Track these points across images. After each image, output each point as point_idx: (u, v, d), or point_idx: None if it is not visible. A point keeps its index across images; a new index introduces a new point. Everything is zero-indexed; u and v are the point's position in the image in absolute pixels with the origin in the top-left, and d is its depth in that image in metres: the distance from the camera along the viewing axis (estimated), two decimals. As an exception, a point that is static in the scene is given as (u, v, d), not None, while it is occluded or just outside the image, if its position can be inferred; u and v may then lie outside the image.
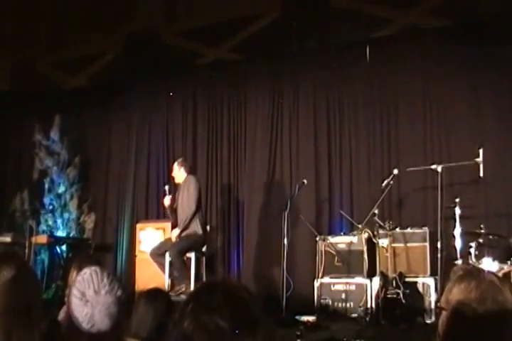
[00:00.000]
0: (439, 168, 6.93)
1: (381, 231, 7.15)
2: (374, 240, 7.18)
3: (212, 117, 9.71)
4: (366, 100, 8.63)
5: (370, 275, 7.18)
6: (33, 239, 8.94)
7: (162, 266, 7.76)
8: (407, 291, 6.79)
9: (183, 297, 7.01)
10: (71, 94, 10.62)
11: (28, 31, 10.73)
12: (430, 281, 6.95)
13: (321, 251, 7.61)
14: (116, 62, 10.23)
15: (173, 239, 7.73)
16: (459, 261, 6.41)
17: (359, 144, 8.60)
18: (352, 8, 8.44)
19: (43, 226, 10.05)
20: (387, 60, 8.51)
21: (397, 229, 7.40)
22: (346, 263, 7.42)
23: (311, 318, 6.83)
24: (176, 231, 7.74)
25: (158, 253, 7.80)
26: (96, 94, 10.56)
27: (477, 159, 6.77)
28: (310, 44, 8.83)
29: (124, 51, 10.01)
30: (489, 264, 6.17)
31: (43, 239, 9.19)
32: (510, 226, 7.47)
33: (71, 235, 10.10)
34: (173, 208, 8.01)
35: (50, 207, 10.16)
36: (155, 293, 3.49)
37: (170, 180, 8.52)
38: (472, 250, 6.44)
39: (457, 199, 6.65)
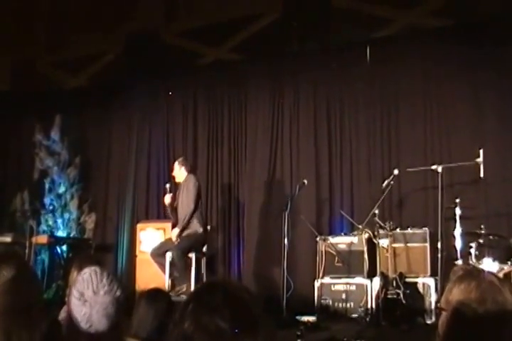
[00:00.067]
0: (440, 169, 6.92)
1: (381, 232, 7.15)
2: (374, 240, 7.18)
3: (212, 117, 9.71)
4: (366, 100, 8.63)
5: (371, 275, 7.18)
6: (34, 239, 8.93)
7: (162, 266, 7.76)
8: (408, 291, 6.79)
9: (184, 297, 7.00)
10: (71, 94, 10.62)
11: (28, 31, 10.73)
12: (430, 281, 6.95)
13: (322, 252, 7.61)
14: (116, 62, 10.24)
15: (173, 239, 7.73)
16: (459, 262, 6.41)
17: (359, 144, 8.60)
18: (352, 9, 8.44)
19: (43, 227, 10.05)
20: (388, 60, 8.51)
21: (398, 230, 7.40)
22: (347, 264, 7.42)
23: (311, 318, 6.83)
24: (176, 230, 7.74)
25: (158, 254, 7.80)
26: (96, 94, 10.56)
27: (477, 159, 6.77)
28: (310, 44, 8.83)
29: (124, 51, 10.02)
30: (489, 264, 6.17)
31: (43, 239, 9.19)
32: (510, 226, 7.48)
33: (71, 235, 10.10)
34: (174, 207, 8.01)
35: (51, 207, 10.16)
36: (155, 293, 3.49)
37: (170, 179, 8.52)
38: (472, 250, 6.44)
39: (457, 200, 6.65)
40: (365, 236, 7.38)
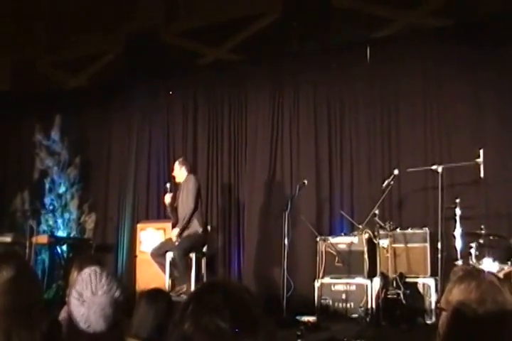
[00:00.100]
0: (440, 169, 6.92)
1: (381, 232, 7.15)
2: (374, 240, 7.18)
3: (212, 117, 9.71)
4: (367, 100, 8.63)
5: (371, 275, 7.18)
6: (34, 239, 8.93)
7: (163, 266, 7.77)
8: (408, 292, 6.79)
9: (184, 297, 7.01)
10: (71, 94, 10.62)
11: (28, 31, 10.72)
12: (430, 282, 6.95)
13: (322, 252, 7.60)
14: (116, 62, 10.23)
15: (173, 239, 7.74)
16: (460, 262, 6.41)
17: (359, 144, 8.60)
18: (352, 8, 8.44)
19: (43, 227, 10.05)
20: (388, 60, 8.51)
21: (398, 230, 7.40)
22: (347, 264, 7.42)
23: (311, 318, 6.83)
24: (176, 230, 7.74)
25: (158, 254, 7.80)
26: (96, 94, 10.56)
27: (478, 160, 6.77)
28: (310, 44, 8.82)
29: (124, 51, 10.01)
30: (489, 265, 6.17)
31: (43, 239, 9.19)
32: (510, 226, 7.47)
33: (72, 235, 10.09)
34: (174, 207, 8.01)
35: (51, 207, 10.16)
36: (156, 294, 3.49)
37: (170, 179, 8.51)
38: (472, 251, 6.43)
39: (458, 200, 6.65)
40: (365, 236, 7.38)
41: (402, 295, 6.75)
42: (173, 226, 8.01)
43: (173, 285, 7.75)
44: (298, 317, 6.87)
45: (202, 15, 9.57)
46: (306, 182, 7.76)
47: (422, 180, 7.88)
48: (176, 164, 8.16)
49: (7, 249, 8.68)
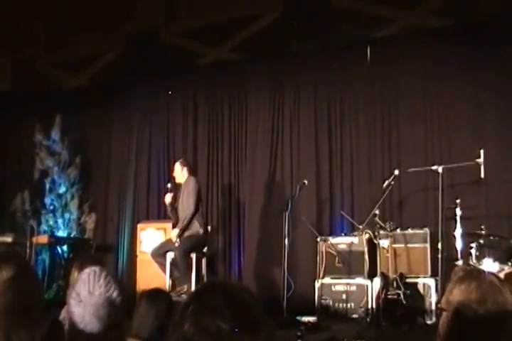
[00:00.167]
0: (440, 169, 6.92)
1: (382, 232, 7.14)
2: (375, 241, 7.18)
3: (212, 117, 9.71)
4: (367, 100, 8.63)
5: (371, 275, 7.18)
6: (34, 239, 8.93)
7: (163, 267, 7.77)
8: (408, 292, 6.79)
9: (184, 297, 7.00)
10: (71, 94, 10.61)
11: (28, 31, 10.72)
12: (431, 282, 6.95)
13: (322, 252, 7.60)
14: (116, 62, 10.24)
15: (173, 239, 7.74)
16: (460, 262, 6.41)
17: (360, 144, 8.60)
18: (353, 8, 8.44)
19: (43, 227, 10.05)
20: (388, 60, 8.50)
21: (398, 230, 7.40)
22: (347, 264, 7.41)
23: (311, 319, 6.83)
24: (176, 231, 7.74)
25: (159, 254, 7.80)
26: (96, 94, 10.56)
27: (478, 160, 6.77)
28: (310, 44, 8.83)
29: (124, 51, 10.01)
30: (490, 265, 6.17)
31: (43, 239, 9.19)
32: (510, 227, 7.47)
33: (72, 235, 10.10)
34: (174, 207, 8.01)
35: (51, 207, 10.16)
36: (156, 294, 3.49)
37: (171, 179, 8.50)
38: (473, 251, 6.43)
39: (458, 200, 6.64)
40: (366, 236, 7.37)
41: (402, 296, 6.75)
42: (174, 227, 8.00)
43: (173, 286, 7.75)
44: (298, 318, 6.86)
45: (202, 15, 9.57)
46: (306, 182, 7.76)
47: (422, 181, 7.88)
48: (176, 165, 8.15)
49: (7, 249, 8.68)
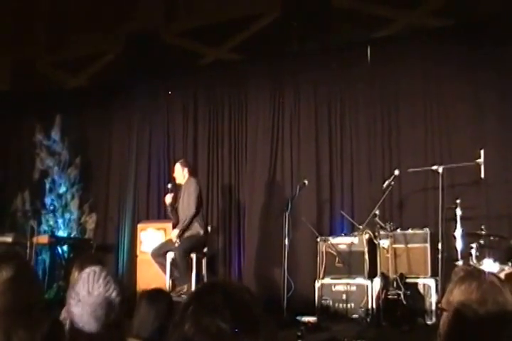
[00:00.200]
0: (440, 169, 6.92)
1: (382, 232, 7.14)
2: (375, 241, 7.18)
3: (212, 117, 9.70)
4: (367, 100, 8.63)
5: (371, 276, 7.17)
6: (35, 239, 8.93)
7: (163, 267, 7.77)
8: (408, 292, 6.79)
9: (185, 297, 7.00)
10: (71, 94, 10.61)
11: (28, 31, 10.72)
12: (431, 282, 6.95)
13: (322, 252, 7.59)
14: (116, 62, 10.23)
15: (173, 239, 7.74)
16: (460, 262, 6.40)
17: (360, 145, 8.60)
18: (352, 8, 8.43)
19: (44, 227, 10.04)
20: (388, 60, 8.50)
21: (398, 230, 7.39)
22: (347, 264, 7.41)
23: (311, 319, 6.82)
24: (176, 231, 7.74)
25: (159, 254, 7.80)
26: (96, 94, 10.56)
27: (478, 160, 6.77)
28: (310, 44, 8.82)
29: (124, 51, 10.01)
30: (490, 265, 6.17)
31: (44, 239, 9.19)
32: (511, 227, 7.47)
33: (72, 235, 10.10)
34: (174, 207, 8.01)
35: (51, 207, 10.16)
36: (156, 294, 3.49)
37: (171, 180, 8.50)
38: (473, 251, 6.43)
39: (458, 201, 6.64)
40: (366, 236, 7.37)
41: (402, 296, 6.75)
42: (174, 227, 8.00)
43: (173, 286, 7.75)
44: (298, 318, 6.85)
45: (202, 15, 9.57)
46: (306, 182, 7.76)
47: (422, 181, 7.88)
48: (177, 165, 8.15)
49: (8, 249, 8.68)
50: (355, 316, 7.04)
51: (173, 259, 7.67)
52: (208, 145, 9.62)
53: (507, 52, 7.69)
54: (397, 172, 7.23)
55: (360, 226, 7.42)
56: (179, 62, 9.77)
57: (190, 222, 7.72)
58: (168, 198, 7.98)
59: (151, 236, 8.92)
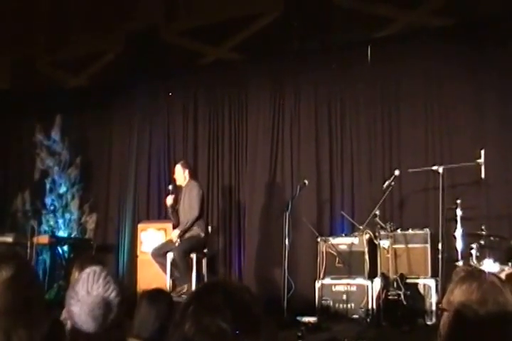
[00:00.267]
0: (441, 169, 6.92)
1: (382, 233, 7.14)
2: (375, 241, 7.18)
3: (213, 117, 9.70)
4: (367, 100, 8.62)
5: (371, 276, 7.17)
6: (35, 240, 8.94)
7: (163, 266, 7.77)
8: (408, 292, 6.79)
9: (185, 297, 7.00)
10: (71, 94, 10.60)
11: (28, 31, 10.71)
12: (431, 282, 6.94)
13: (322, 252, 7.59)
14: (116, 62, 10.22)
15: (174, 239, 7.74)
16: (460, 263, 6.41)
17: (360, 145, 8.59)
18: (353, 8, 8.42)
19: (44, 227, 10.05)
20: (389, 60, 8.49)
21: (398, 230, 7.39)
22: (347, 264, 7.41)
23: (312, 319, 6.82)
24: (176, 231, 7.74)
25: (159, 254, 7.80)
26: (96, 94, 10.54)
27: (479, 160, 6.77)
28: (311, 44, 8.81)
29: (124, 51, 10.00)
30: (490, 266, 6.17)
31: (44, 239, 9.20)
32: (511, 227, 7.46)
33: (72, 235, 10.10)
34: (175, 209, 8.01)
35: (52, 208, 10.15)
36: (157, 294, 3.49)
37: (172, 181, 8.49)
38: (473, 251, 6.43)
39: (458, 201, 6.64)
40: (366, 237, 7.37)
41: (402, 296, 6.75)
42: (174, 228, 8.01)
43: (174, 286, 7.75)
44: (298, 318, 6.86)
45: (202, 15, 9.55)
46: (306, 182, 7.76)
47: (422, 181, 7.88)
48: (177, 167, 8.14)
49: (8, 249, 8.67)
50: (355, 316, 7.04)
51: (173, 259, 7.67)
52: (208, 145, 9.62)
53: (507, 52, 7.69)
54: (397, 172, 7.24)
55: (361, 227, 7.42)
56: (179, 61, 9.77)
57: (192, 224, 7.72)
58: (169, 200, 7.97)
59: (151, 236, 8.91)
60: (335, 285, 7.36)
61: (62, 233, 10.07)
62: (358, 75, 8.67)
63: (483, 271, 2.21)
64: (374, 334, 6.33)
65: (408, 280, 6.97)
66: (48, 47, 10.80)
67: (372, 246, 7.28)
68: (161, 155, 10.04)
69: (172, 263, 7.70)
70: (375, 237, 7.15)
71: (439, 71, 8.16)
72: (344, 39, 8.59)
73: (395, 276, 6.99)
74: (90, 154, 10.60)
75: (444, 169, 6.93)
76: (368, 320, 6.80)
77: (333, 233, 8.24)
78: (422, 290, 6.96)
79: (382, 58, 8.46)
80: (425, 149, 8.16)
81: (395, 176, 7.22)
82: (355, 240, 7.46)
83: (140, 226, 9.25)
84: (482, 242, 6.55)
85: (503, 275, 5.56)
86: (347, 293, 7.23)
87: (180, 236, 7.69)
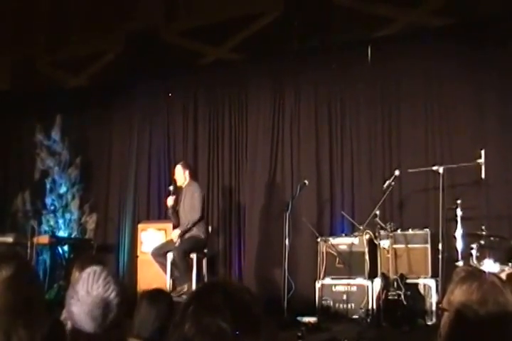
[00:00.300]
0: (441, 169, 6.92)
1: (382, 233, 7.14)
2: (375, 241, 7.18)
3: (213, 117, 9.70)
4: (368, 100, 8.62)
5: (372, 276, 7.18)
6: (35, 240, 8.94)
7: (163, 266, 7.77)
8: (408, 293, 6.78)
9: (185, 297, 7.00)
10: (72, 94, 10.59)
11: (28, 31, 10.71)
12: (431, 283, 6.94)
13: (323, 252, 7.60)
14: (116, 62, 10.21)
15: (174, 239, 7.74)
16: (460, 263, 6.40)
17: (360, 145, 8.59)
18: (353, 8, 8.40)
19: (44, 227, 10.04)
20: (389, 60, 8.49)
21: (399, 231, 7.38)
22: (347, 265, 7.41)
23: (312, 319, 6.82)
24: (177, 231, 7.75)
25: (159, 254, 7.81)
26: (96, 94, 10.55)
27: (479, 160, 6.76)
28: (311, 43, 8.81)
29: (124, 51, 10.00)
30: (490, 266, 6.17)
31: (44, 239, 9.20)
32: (511, 227, 7.46)
33: (73, 235, 10.10)
34: (176, 210, 8.01)
35: (52, 208, 10.15)
36: (157, 294, 3.49)
37: (172, 181, 8.49)
38: (473, 252, 6.43)
39: (459, 201, 6.64)
40: (366, 237, 7.37)
41: (402, 296, 6.74)
42: (174, 228, 8.01)
43: (174, 286, 7.75)
44: (299, 318, 6.86)
45: (202, 15, 9.55)
46: (306, 182, 7.76)
47: (422, 181, 7.87)
48: (177, 167, 8.14)
49: (8, 249, 8.67)
50: (355, 316, 7.05)
51: (173, 259, 7.67)
52: (209, 145, 9.61)
53: (507, 52, 7.69)
54: (397, 172, 7.24)
55: (361, 227, 7.41)
56: (179, 62, 9.76)
57: (193, 226, 7.73)
58: (170, 201, 7.97)
59: (151, 236, 8.91)
60: (335, 285, 7.36)
61: (62, 233, 10.06)
62: (358, 75, 8.67)
63: (483, 271, 2.21)
64: (374, 334, 6.33)
65: (408, 281, 6.97)
66: (48, 47, 10.79)
67: (373, 246, 7.28)
68: (161, 155, 10.04)
69: (172, 263, 7.70)
70: (375, 237, 7.15)
71: (439, 71, 8.16)
72: (344, 39, 8.58)
73: (395, 276, 6.98)
74: (90, 154, 10.60)
75: (444, 169, 6.94)
76: (368, 320, 6.80)
77: (333, 233, 8.24)
78: (422, 291, 6.96)
79: (382, 58, 8.46)
80: (425, 149, 8.15)
81: (395, 176, 7.22)
82: (356, 240, 7.46)
83: (140, 226, 9.25)
84: (482, 242, 6.55)
85: (503, 276, 5.57)
86: (347, 293, 7.24)
87: (181, 236, 7.69)
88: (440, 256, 6.60)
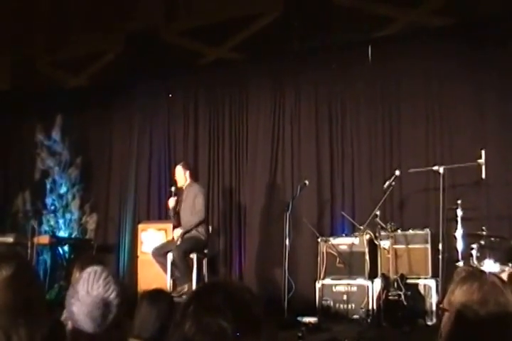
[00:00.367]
0: (441, 170, 6.92)
1: (383, 233, 7.14)
2: (376, 241, 7.17)
3: (213, 117, 9.70)
4: (368, 100, 8.61)
5: (372, 276, 7.17)
6: (35, 240, 8.94)
7: (164, 266, 7.77)
8: (409, 293, 6.78)
9: (185, 297, 6.99)
10: (72, 94, 10.59)
11: (28, 31, 10.71)
12: (432, 283, 6.94)
13: (323, 253, 7.59)
14: (116, 62, 10.21)
15: (175, 238, 7.75)
16: (461, 263, 6.40)
17: (361, 145, 8.59)
18: (353, 7, 8.39)
19: (44, 227, 10.04)
20: (389, 60, 8.49)
21: (399, 231, 7.38)
22: (348, 265, 7.41)
23: (312, 319, 6.81)
24: (179, 230, 7.75)
25: (159, 253, 7.81)
26: (97, 94, 10.55)
27: (479, 160, 6.77)
28: (311, 43, 8.80)
29: (124, 51, 9.99)
30: (491, 266, 6.16)
31: (45, 239, 9.20)
32: (511, 228, 7.46)
33: (73, 236, 10.09)
34: (176, 211, 8.01)
35: (52, 208, 10.15)
36: (157, 294, 3.49)
37: (172, 181, 8.49)
38: (474, 252, 6.42)
39: (459, 201, 6.63)
40: (367, 237, 7.37)
41: (403, 297, 6.74)
42: (174, 229, 8.01)
43: (174, 286, 7.75)
44: (299, 318, 6.85)
45: (202, 15, 9.54)
46: (307, 182, 7.76)
47: (423, 181, 7.87)
48: (178, 168, 8.13)
49: (9, 249, 8.67)
50: (355, 317, 7.04)
51: (173, 259, 7.67)
52: (209, 145, 9.61)
53: (507, 52, 7.68)
54: (397, 172, 7.23)
55: (361, 227, 7.41)
56: (179, 62, 9.75)
57: (195, 227, 7.73)
58: (172, 202, 7.98)
59: (151, 236, 8.91)
60: (335, 285, 7.36)
61: (62, 233, 10.06)
62: (358, 75, 8.67)
63: (484, 272, 2.21)
64: (374, 334, 6.33)
65: (408, 281, 6.96)
66: (48, 47, 10.78)
67: (373, 247, 7.28)
68: (161, 155, 10.03)
69: (172, 263, 7.70)
70: (376, 237, 7.15)
71: (439, 71, 8.16)
72: (344, 39, 8.57)
73: (395, 277, 6.98)
74: (91, 154, 10.60)
75: (444, 169, 6.94)
76: (369, 320, 6.80)
77: (334, 233, 8.24)
78: (422, 291, 6.96)
79: (383, 58, 8.46)
80: (426, 149, 8.15)
81: (396, 176, 7.21)
82: (356, 240, 7.46)
83: (140, 226, 9.25)
84: (483, 242, 6.54)
85: (504, 276, 5.57)
86: (347, 293, 7.23)
87: (182, 236, 7.69)
88: (440, 257, 6.60)
